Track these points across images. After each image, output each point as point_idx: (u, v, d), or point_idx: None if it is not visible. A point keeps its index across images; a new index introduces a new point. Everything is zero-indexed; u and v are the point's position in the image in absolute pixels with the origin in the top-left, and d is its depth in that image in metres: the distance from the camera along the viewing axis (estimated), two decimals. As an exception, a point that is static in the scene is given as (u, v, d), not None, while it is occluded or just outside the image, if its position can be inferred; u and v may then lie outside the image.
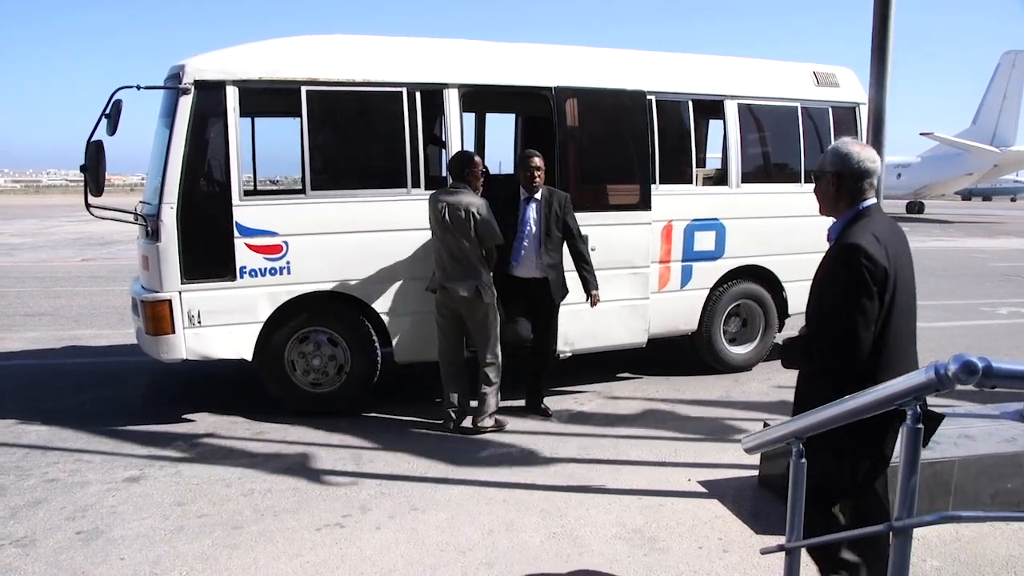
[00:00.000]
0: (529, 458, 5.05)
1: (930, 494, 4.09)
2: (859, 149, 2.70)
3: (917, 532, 3.92)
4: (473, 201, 5.28)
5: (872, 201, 2.69)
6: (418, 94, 5.76)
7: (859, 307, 2.47)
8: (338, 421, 5.71)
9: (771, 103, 7.03)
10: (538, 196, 5.59)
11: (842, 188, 2.68)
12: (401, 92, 5.71)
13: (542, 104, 6.38)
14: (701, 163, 7.89)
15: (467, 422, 5.60)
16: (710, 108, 7.06)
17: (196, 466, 4.86)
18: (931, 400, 2.21)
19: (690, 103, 6.68)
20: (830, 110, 7.22)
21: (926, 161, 36.49)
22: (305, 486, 4.55)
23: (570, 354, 6.37)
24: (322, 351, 5.76)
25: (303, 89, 5.46)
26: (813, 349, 2.62)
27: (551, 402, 6.24)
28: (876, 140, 4.02)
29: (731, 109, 6.82)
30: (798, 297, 7.14)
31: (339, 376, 5.84)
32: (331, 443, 5.28)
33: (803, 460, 2.24)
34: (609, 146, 6.52)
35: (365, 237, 5.72)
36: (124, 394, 6.47)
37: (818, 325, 2.63)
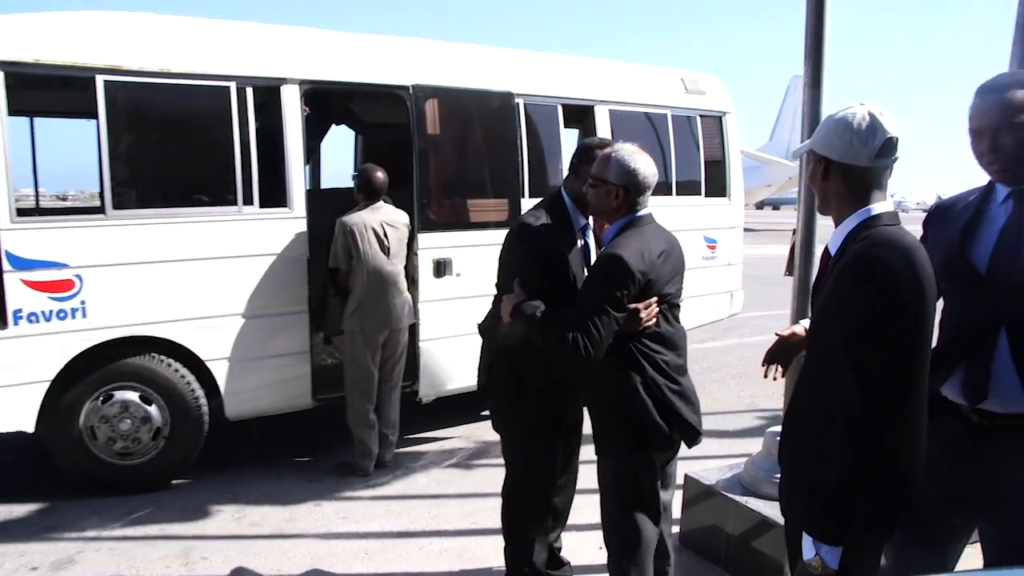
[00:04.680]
0: (405, 538, 4.14)
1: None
2: (644, 163, 2.77)
3: None
4: (404, 216, 5.06)
5: (645, 211, 2.81)
6: (250, 90, 4.70)
7: (605, 309, 2.59)
8: (158, 500, 4.52)
9: (641, 109, 6.54)
10: (590, 223, 3.19)
11: (624, 202, 2.76)
12: (228, 88, 4.62)
13: (395, 107, 5.52)
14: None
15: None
16: (577, 114, 6.46)
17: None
18: None
19: (559, 108, 6.04)
20: (698, 119, 6.85)
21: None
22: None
23: (433, 397, 5.55)
24: (132, 412, 4.52)
25: (99, 79, 4.24)
26: (555, 334, 2.63)
27: (414, 452, 5.39)
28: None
29: (601, 115, 6.25)
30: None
31: (155, 442, 4.62)
32: (151, 534, 4.10)
33: None
34: (475, 155, 5.76)
35: (185, 267, 4.58)
36: None
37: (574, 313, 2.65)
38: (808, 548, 1.93)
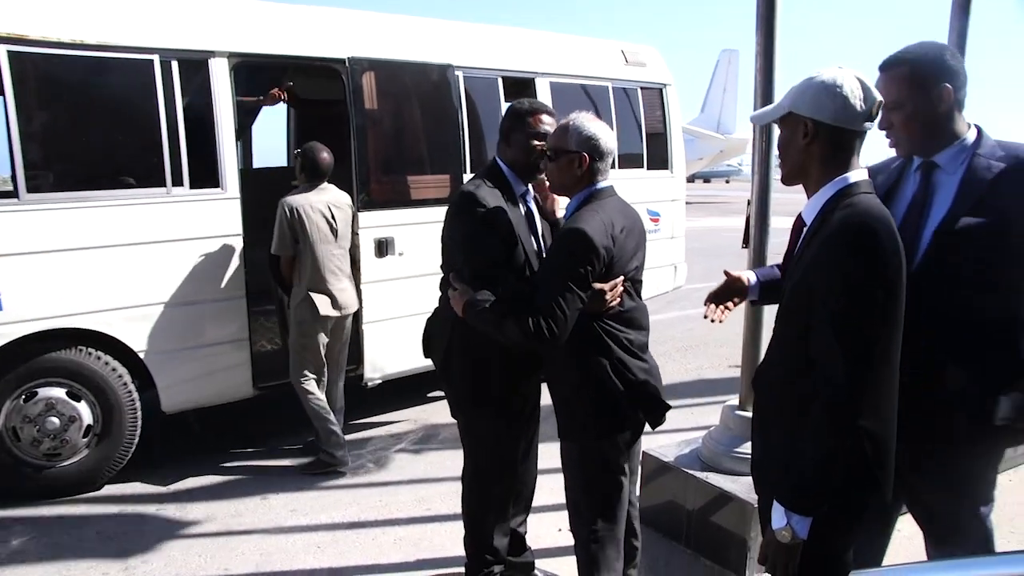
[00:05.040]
0: (357, 528, 4.00)
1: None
2: (603, 129, 2.65)
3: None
4: (347, 197, 4.87)
5: (606, 183, 2.66)
6: (175, 64, 4.41)
7: (569, 287, 2.46)
8: (92, 502, 4.28)
9: (583, 82, 6.43)
10: (531, 191, 3.05)
11: (587, 169, 2.62)
12: (151, 61, 4.33)
13: (331, 82, 5.30)
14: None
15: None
16: (517, 87, 6.31)
17: None
18: None
19: (500, 80, 5.88)
20: (639, 91, 6.78)
21: (663, 147, 39.07)
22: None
23: (379, 382, 5.37)
24: (59, 410, 4.24)
25: (4, 50, 3.90)
26: (513, 322, 2.49)
27: (360, 438, 5.22)
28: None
29: (543, 88, 6.11)
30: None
31: (86, 440, 4.35)
32: (85, 539, 3.86)
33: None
34: (414, 130, 5.57)
35: (111, 254, 4.29)
36: None
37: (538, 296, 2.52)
38: (779, 517, 1.88)
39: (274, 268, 4.76)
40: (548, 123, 2.86)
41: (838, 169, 1.91)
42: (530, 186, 2.99)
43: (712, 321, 2.47)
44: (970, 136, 2.16)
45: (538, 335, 2.44)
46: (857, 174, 1.91)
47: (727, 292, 2.46)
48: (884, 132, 2.22)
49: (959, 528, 2.28)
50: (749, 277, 2.49)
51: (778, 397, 2.03)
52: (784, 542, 1.86)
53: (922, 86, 2.10)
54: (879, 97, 1.89)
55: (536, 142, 2.83)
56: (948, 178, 2.16)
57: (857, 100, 1.86)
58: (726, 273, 2.48)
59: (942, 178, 2.17)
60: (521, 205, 2.93)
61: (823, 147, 1.91)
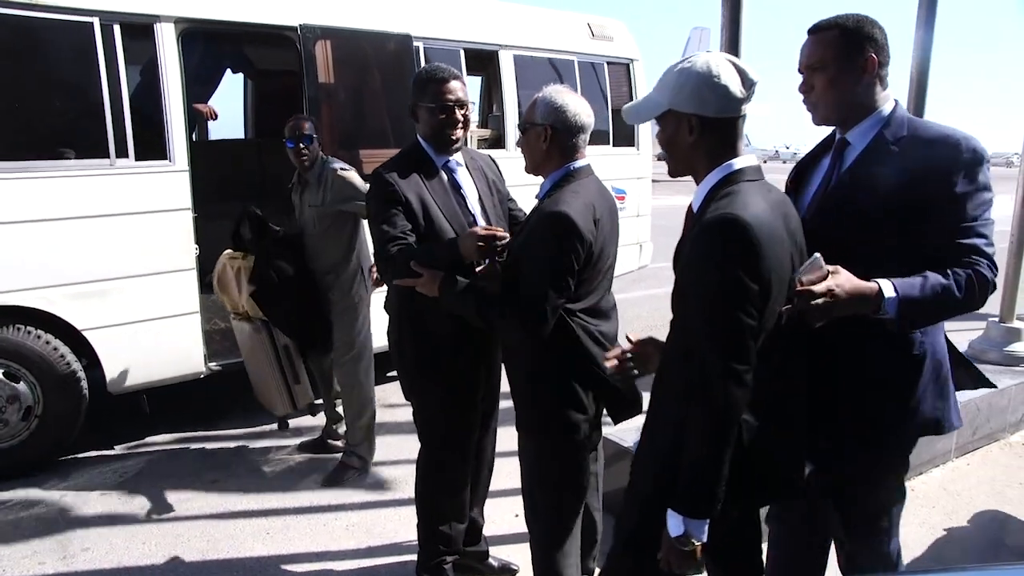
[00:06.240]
0: (309, 514, 3.89)
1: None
2: (574, 100, 2.46)
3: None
4: None
5: (583, 162, 2.47)
6: (117, 28, 4.20)
7: (554, 277, 2.31)
8: (30, 487, 4.11)
9: (547, 55, 6.29)
10: (460, 160, 2.92)
11: (553, 143, 2.42)
12: (91, 24, 4.11)
13: (284, 51, 5.11)
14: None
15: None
16: (480, 60, 6.16)
17: None
18: None
19: (462, 52, 5.72)
20: (605, 65, 6.66)
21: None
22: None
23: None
24: (-4, 391, 4.07)
25: (-68, 11, 3.69)
26: (496, 311, 2.37)
27: (315, 421, 5.09)
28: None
29: (506, 61, 5.97)
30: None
31: (26, 423, 4.17)
32: (21, 526, 3.69)
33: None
34: (372, 102, 5.41)
35: (50, 228, 4.09)
36: None
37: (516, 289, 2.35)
38: (676, 524, 1.79)
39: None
40: (452, 90, 2.74)
41: (724, 157, 1.85)
42: (458, 156, 2.87)
43: None
44: (886, 109, 2.08)
45: (518, 326, 2.34)
46: (743, 160, 1.86)
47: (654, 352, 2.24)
48: (803, 97, 2.15)
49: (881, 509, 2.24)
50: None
51: (670, 391, 1.95)
52: (687, 549, 1.79)
53: (848, 51, 2.03)
54: (756, 78, 1.83)
55: (442, 115, 2.72)
56: (853, 153, 2.10)
57: (736, 87, 1.81)
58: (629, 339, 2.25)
59: (850, 154, 2.11)
60: (444, 174, 2.82)
61: (709, 140, 1.85)
